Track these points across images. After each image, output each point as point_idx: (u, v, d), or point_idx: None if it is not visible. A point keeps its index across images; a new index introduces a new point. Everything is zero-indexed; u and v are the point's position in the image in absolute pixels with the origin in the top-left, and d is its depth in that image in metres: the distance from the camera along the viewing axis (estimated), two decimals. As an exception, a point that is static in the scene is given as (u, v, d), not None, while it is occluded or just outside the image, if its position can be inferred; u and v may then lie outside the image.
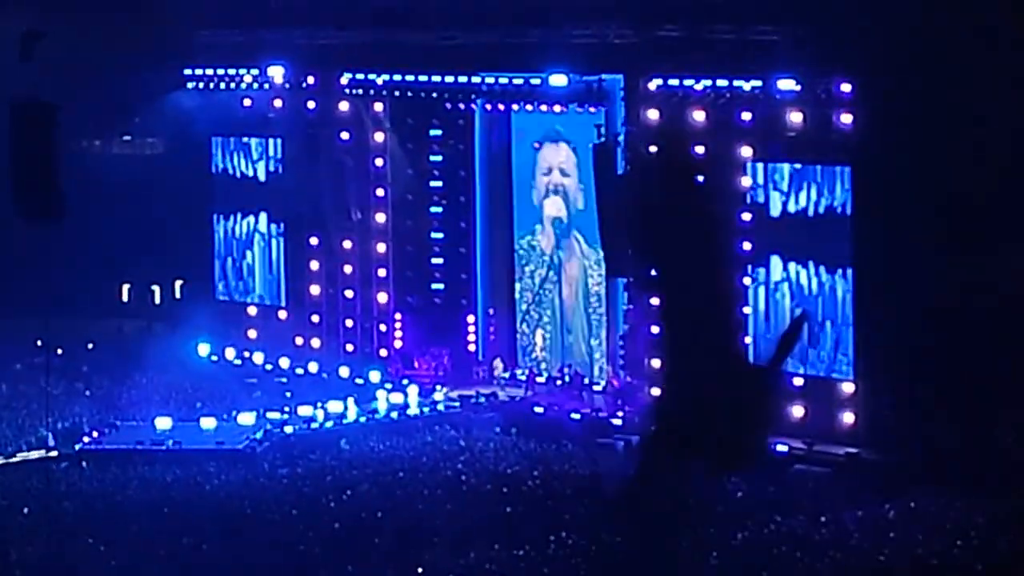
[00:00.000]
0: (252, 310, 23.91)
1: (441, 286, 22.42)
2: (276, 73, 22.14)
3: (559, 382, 20.31)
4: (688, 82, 17.58)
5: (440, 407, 20.05)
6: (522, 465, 16.74)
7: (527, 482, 15.83)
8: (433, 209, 22.20)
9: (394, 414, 19.68)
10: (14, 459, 17.84)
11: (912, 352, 15.46)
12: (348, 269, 22.31)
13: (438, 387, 20.51)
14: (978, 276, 14.64)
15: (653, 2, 18.37)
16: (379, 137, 21.91)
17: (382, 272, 22.22)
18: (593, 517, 13.49)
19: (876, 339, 16.13)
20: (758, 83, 16.97)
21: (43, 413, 18.65)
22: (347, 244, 22.24)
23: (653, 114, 17.85)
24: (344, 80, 21.71)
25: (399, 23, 20.70)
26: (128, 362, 22.79)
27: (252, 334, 23.62)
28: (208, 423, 18.63)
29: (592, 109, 19.14)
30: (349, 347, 22.37)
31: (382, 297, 22.19)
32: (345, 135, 21.95)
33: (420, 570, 12.08)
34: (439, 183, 22.10)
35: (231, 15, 22.18)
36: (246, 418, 18.73)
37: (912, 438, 15.24)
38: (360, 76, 21.57)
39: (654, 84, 17.96)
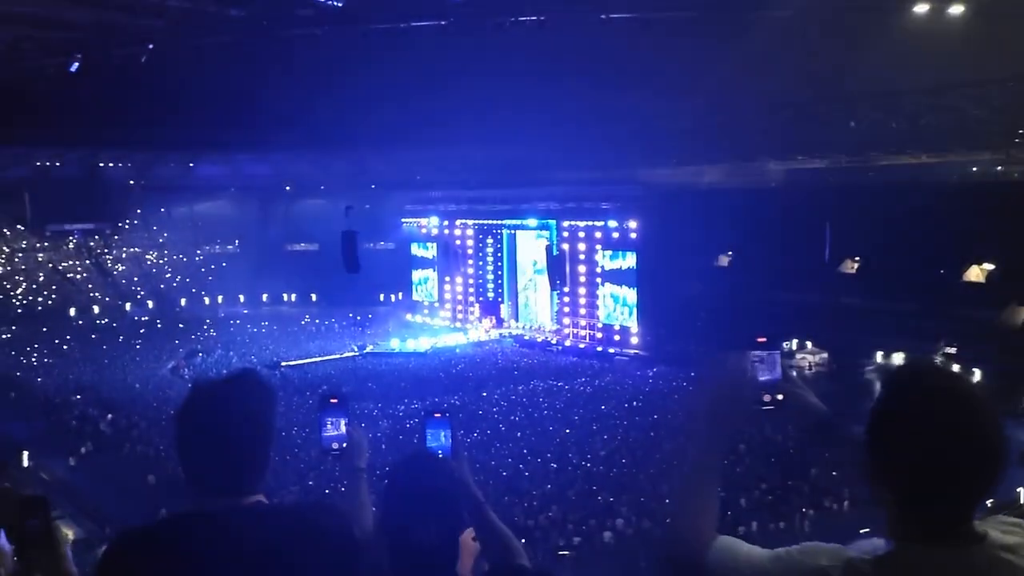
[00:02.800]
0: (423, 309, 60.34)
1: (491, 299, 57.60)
2: (434, 218, 58.79)
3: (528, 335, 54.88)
4: (580, 223, 51.52)
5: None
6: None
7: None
8: (489, 271, 57.33)
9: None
10: (336, 356, 52.85)
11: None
12: (471, 287, 58.10)
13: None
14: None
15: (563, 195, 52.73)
16: (469, 242, 57.59)
17: (472, 296, 57.75)
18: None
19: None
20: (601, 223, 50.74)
21: (351, 339, 54.09)
22: (459, 279, 58.11)
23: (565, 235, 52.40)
24: (457, 221, 57.85)
25: (473, 202, 56.44)
26: (382, 323, 58.48)
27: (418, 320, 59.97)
28: (409, 344, 53.95)
29: (546, 233, 53.70)
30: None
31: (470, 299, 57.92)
32: (457, 241, 58.02)
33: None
34: (491, 258, 57.21)
35: (421, 198, 59.06)
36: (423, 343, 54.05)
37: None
38: (461, 220, 57.59)
39: (566, 223, 52.34)
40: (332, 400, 3.01)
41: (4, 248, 63.71)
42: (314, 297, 62.90)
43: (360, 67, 29.85)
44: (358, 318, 58.37)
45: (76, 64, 22.42)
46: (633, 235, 48.11)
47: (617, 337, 48.78)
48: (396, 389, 39.15)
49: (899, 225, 35.97)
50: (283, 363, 45.80)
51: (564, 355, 48.74)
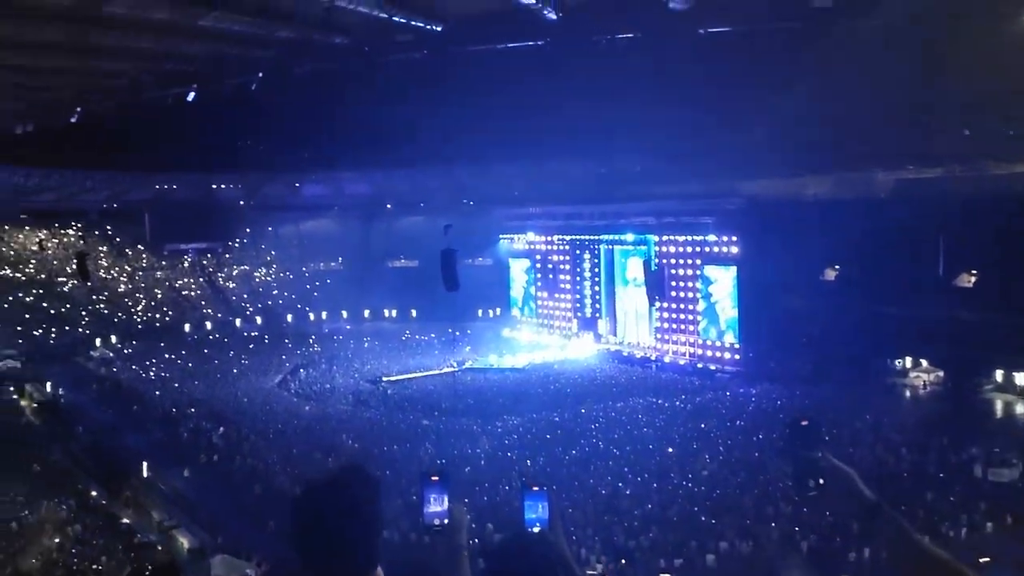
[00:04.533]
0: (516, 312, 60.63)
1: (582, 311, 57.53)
2: (531, 234, 59.07)
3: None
4: (678, 237, 50.97)
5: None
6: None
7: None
8: (587, 286, 57.24)
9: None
10: (435, 371, 53.70)
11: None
12: (569, 302, 58.18)
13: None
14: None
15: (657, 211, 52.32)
16: (567, 257, 57.61)
17: (570, 312, 57.74)
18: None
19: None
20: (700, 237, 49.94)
21: (450, 354, 54.70)
22: (557, 295, 58.22)
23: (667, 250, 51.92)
24: (554, 237, 57.96)
25: (570, 217, 56.52)
26: (480, 338, 58.97)
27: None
28: (507, 359, 54.29)
29: (643, 247, 53.31)
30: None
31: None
32: (554, 256, 58.11)
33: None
34: (589, 274, 57.09)
35: (518, 215, 59.51)
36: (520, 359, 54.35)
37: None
38: (558, 235, 57.67)
39: (664, 238, 51.86)
40: (434, 477, 3.08)
41: (126, 267, 67.14)
42: (414, 313, 63.94)
43: (457, 87, 30.40)
44: (456, 334, 58.94)
45: (192, 94, 23.56)
46: (734, 249, 47.18)
47: (718, 353, 47.85)
48: (494, 405, 39.37)
49: (1018, 236, 34.24)
50: (384, 378, 46.67)
51: (663, 371, 48.14)
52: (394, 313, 65.26)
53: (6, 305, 56.25)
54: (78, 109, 26.60)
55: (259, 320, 65.17)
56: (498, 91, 30.89)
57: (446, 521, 3.02)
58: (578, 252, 57.05)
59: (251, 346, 56.05)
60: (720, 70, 28.24)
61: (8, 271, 61.21)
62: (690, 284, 49.61)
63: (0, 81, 21.74)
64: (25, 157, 43.21)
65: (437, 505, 3.03)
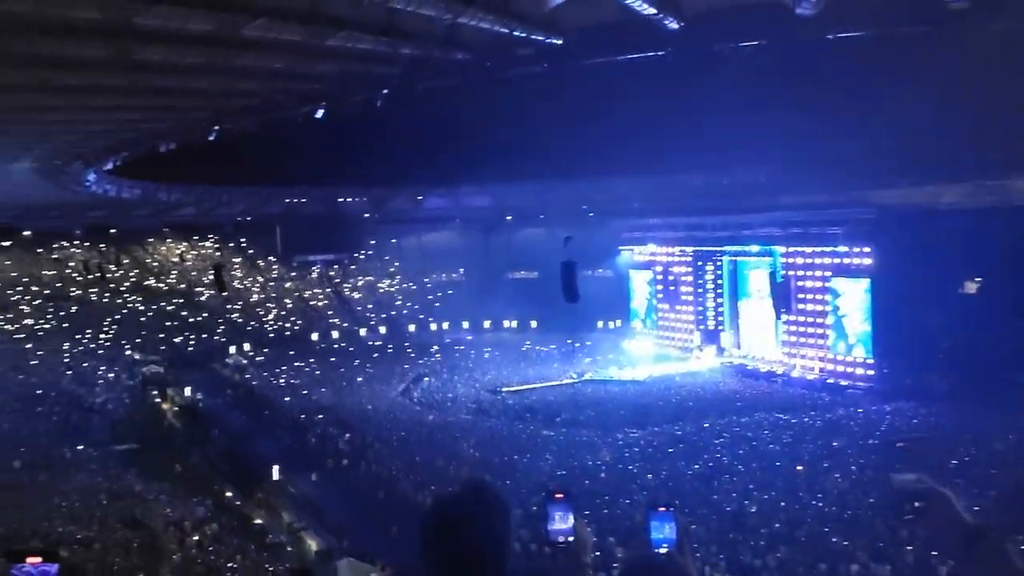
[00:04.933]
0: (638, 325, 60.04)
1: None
2: (652, 245, 58.44)
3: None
4: (806, 248, 49.28)
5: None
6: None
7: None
8: (709, 298, 56.06)
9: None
10: (555, 382, 53.42)
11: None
12: (691, 314, 57.32)
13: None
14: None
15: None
16: (688, 269, 56.66)
17: (692, 324, 56.80)
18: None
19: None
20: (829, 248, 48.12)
21: (570, 365, 54.57)
22: (679, 307, 57.35)
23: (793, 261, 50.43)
24: (676, 248, 57.14)
25: (692, 228, 55.58)
26: (600, 349, 58.67)
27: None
28: (627, 371, 53.78)
29: (768, 259, 51.86)
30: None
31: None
32: (676, 267, 57.29)
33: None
34: (712, 286, 55.97)
35: (639, 226, 59.00)
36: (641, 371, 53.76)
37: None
38: (680, 246, 56.84)
39: (790, 248, 50.35)
40: (558, 495, 3.13)
41: (259, 278, 70.21)
42: (534, 324, 64.24)
43: (578, 100, 30.42)
44: (576, 345, 58.93)
45: (321, 111, 24.45)
46: (866, 260, 45.33)
47: (849, 369, 45.96)
48: (615, 417, 39.02)
49: None
50: (504, 388, 47.00)
51: (790, 386, 46.60)
52: (514, 324, 65.68)
53: (150, 313, 59.70)
54: (215, 128, 27.95)
55: (383, 330, 66.81)
56: (619, 102, 30.72)
57: (571, 538, 3.01)
58: (700, 263, 56.00)
59: (375, 355, 57.47)
60: (849, 76, 27.25)
61: (152, 281, 65.00)
62: (818, 296, 47.88)
63: (148, 103, 23.11)
64: (167, 174, 45.81)
65: (562, 522, 3.04)
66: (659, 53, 19.47)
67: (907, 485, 2.38)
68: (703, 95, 28.82)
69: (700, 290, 56.03)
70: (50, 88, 19.29)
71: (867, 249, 45.04)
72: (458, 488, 2.46)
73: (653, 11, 16.25)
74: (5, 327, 50.11)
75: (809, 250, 48.21)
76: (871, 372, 44.72)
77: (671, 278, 57.99)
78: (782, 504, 24.38)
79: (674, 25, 17.39)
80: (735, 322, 54.63)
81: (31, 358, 45.81)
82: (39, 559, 2.40)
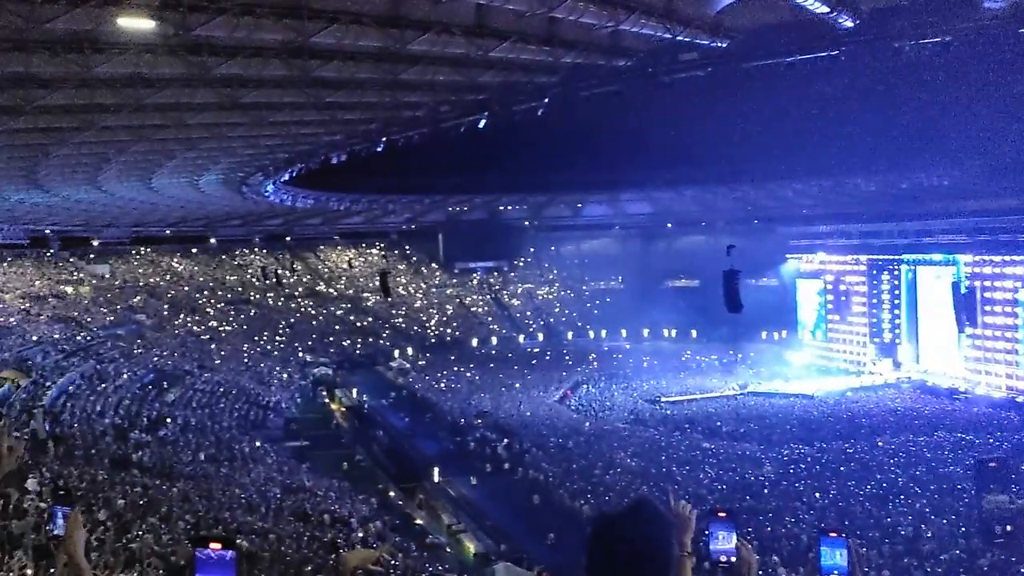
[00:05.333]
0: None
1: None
2: (822, 254, 56.00)
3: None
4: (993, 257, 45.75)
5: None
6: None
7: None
8: (885, 309, 53.04)
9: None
10: (716, 394, 51.26)
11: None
12: (865, 326, 54.62)
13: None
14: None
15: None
16: (862, 278, 53.88)
17: (866, 337, 53.99)
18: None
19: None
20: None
21: (732, 376, 52.96)
22: (851, 318, 54.63)
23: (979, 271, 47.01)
24: (848, 257, 54.43)
25: (866, 236, 52.75)
26: (764, 361, 56.73)
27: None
28: (795, 385, 51.69)
29: (951, 268, 48.55)
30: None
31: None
32: (848, 277, 54.59)
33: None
34: (888, 296, 52.91)
35: (807, 233, 56.64)
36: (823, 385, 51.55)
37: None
38: (852, 255, 54.09)
39: (976, 258, 46.87)
40: (721, 513, 3.02)
41: (421, 284, 72.38)
42: (694, 333, 62.97)
43: (742, 103, 29.55)
44: (739, 356, 57.28)
45: (483, 121, 24.88)
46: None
47: (1044, 387, 42.39)
48: (780, 431, 37.66)
49: None
50: (663, 398, 46.28)
51: (974, 405, 43.39)
52: (673, 333, 64.60)
53: (320, 317, 62.68)
54: (383, 139, 28.97)
55: (541, 336, 67.34)
56: (787, 105, 29.64)
57: (733, 559, 2.92)
58: (875, 273, 53.19)
59: (533, 362, 57.96)
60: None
61: (322, 287, 68.27)
62: (1007, 309, 44.41)
63: (321, 117, 24.27)
64: (338, 184, 48.11)
65: (725, 543, 2.95)
66: (831, 53, 18.58)
67: (999, 507, 2.14)
68: (879, 95, 27.36)
69: (875, 301, 53.18)
70: (237, 106, 20.61)
71: (1064, 257, 41.48)
72: (624, 504, 2.41)
73: (826, 9, 15.54)
74: (193, 328, 53.87)
75: (998, 259, 44.81)
76: (1070, 392, 41.06)
77: (843, 288, 55.39)
78: (962, 530, 22.72)
79: (848, 23, 16.57)
80: (913, 335, 51.46)
81: (215, 357, 49.02)
82: (219, 545, 2.56)
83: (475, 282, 74.54)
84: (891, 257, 52.04)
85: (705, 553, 3.01)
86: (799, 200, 58.44)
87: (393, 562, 17.98)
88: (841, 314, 55.51)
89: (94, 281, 54.55)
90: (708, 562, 2.99)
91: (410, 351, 60.17)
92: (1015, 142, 34.67)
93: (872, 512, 24.94)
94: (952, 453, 31.83)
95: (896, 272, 52.09)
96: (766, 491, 27.98)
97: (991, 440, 34.16)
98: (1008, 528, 2.49)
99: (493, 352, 62.70)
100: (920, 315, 51.01)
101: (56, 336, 41.25)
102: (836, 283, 55.90)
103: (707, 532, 3.09)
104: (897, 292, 52.14)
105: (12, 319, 41.64)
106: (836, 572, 2.85)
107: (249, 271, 66.13)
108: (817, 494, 27.05)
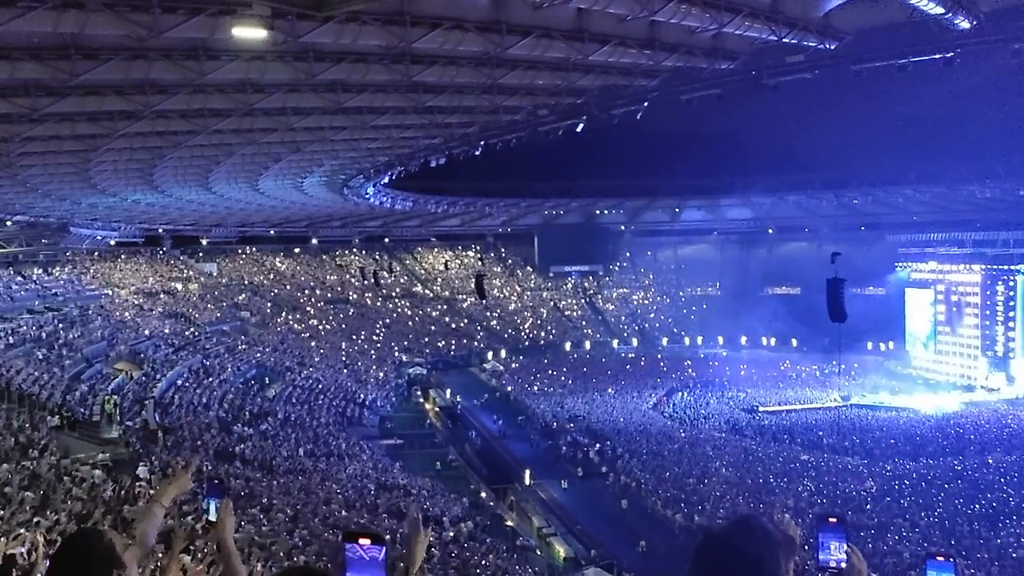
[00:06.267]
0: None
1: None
2: (932, 263, 53.70)
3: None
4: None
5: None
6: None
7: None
8: (999, 321, 50.44)
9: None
10: (817, 405, 49.90)
11: None
12: (977, 338, 52.12)
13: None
14: None
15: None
16: (975, 289, 51.36)
17: (977, 350, 51.51)
18: None
19: None
20: None
21: (834, 387, 51.33)
22: (961, 330, 52.22)
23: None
24: (960, 266, 52.03)
25: (980, 244, 50.29)
26: (869, 373, 54.68)
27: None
28: (901, 398, 49.65)
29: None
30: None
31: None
32: (960, 287, 52.19)
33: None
34: (1002, 307, 50.27)
35: (917, 241, 54.42)
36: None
37: None
38: (964, 264, 51.67)
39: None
40: (831, 520, 2.88)
41: (516, 287, 72.69)
42: (794, 342, 61.27)
43: (850, 106, 28.67)
44: (842, 366, 55.38)
45: (581, 125, 24.81)
46: None
47: None
48: (883, 445, 36.38)
49: None
50: (761, 408, 45.25)
51: (1092, 423, 41.03)
52: (772, 341, 63.00)
53: (416, 318, 63.61)
54: (481, 142, 29.21)
55: (635, 342, 66.72)
56: (898, 108, 28.62)
57: (842, 566, 2.81)
58: (989, 283, 50.74)
59: (627, 367, 57.45)
60: None
61: (419, 288, 69.29)
62: None
63: (422, 121, 24.62)
64: (436, 187, 48.82)
65: (836, 551, 2.83)
66: (947, 55, 17.83)
67: None
68: (997, 98, 26.14)
69: (988, 312, 50.75)
70: (340, 110, 21.12)
71: None
72: (730, 521, 2.36)
73: (941, 10, 14.92)
74: (294, 326, 55.42)
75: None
76: None
77: (954, 298, 53.01)
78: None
79: (965, 24, 15.86)
80: (1029, 349, 48.96)
81: (314, 355, 50.29)
82: (369, 541, 2.52)
83: (570, 286, 74.40)
84: (1006, 267, 49.59)
85: (813, 560, 2.92)
86: (909, 207, 56.32)
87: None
88: (952, 326, 53.20)
89: (202, 279, 56.81)
90: (817, 570, 2.89)
91: (504, 353, 60.45)
92: None
93: (980, 533, 23.93)
94: (1071, 474, 30.11)
95: (1012, 283, 49.59)
96: (868, 506, 27.12)
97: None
98: None
99: (587, 356, 62.43)
100: (1037, 328, 48.46)
101: (166, 331, 43.10)
102: (947, 293, 53.54)
103: (813, 539, 3.01)
104: (1012, 303, 49.64)
105: (127, 313, 43.72)
106: None
107: (348, 271, 67.65)
108: (923, 512, 26.04)
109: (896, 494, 28.45)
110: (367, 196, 43.34)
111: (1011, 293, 49.65)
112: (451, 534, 23.81)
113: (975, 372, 51.10)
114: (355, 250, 70.62)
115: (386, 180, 39.40)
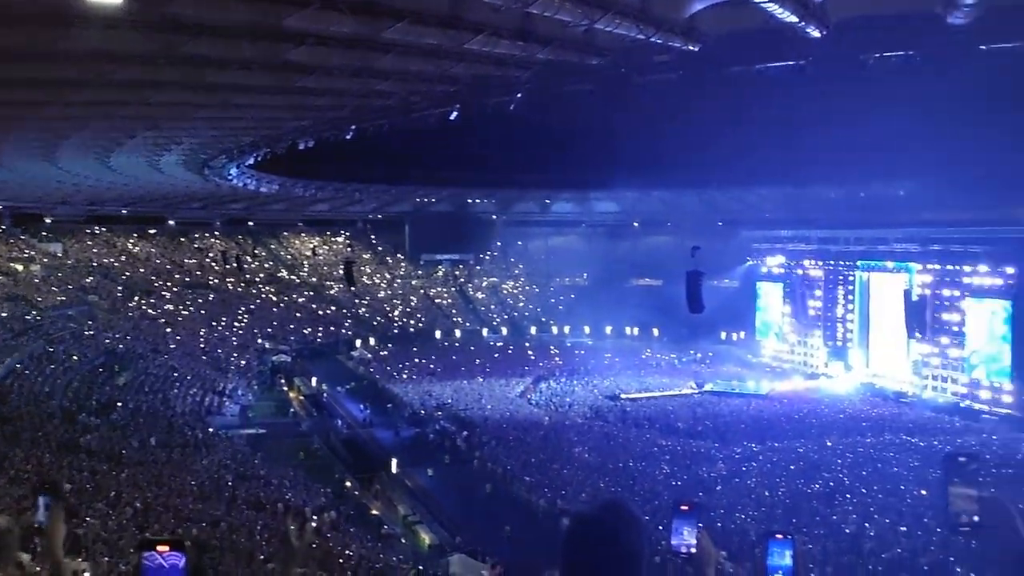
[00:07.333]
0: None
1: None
2: (781, 257, 56.73)
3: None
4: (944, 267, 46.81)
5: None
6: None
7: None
8: (839, 314, 53.95)
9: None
10: (675, 392, 52.09)
11: None
12: (819, 329, 55.43)
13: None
14: None
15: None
16: (819, 283, 54.73)
17: (820, 340, 54.87)
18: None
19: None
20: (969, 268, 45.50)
21: (691, 375, 53.59)
22: (806, 322, 55.47)
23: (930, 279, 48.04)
24: (806, 261, 55.25)
25: (825, 242, 53.60)
26: (722, 361, 57.33)
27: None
28: (750, 385, 52.40)
29: (904, 275, 49.58)
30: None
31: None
32: (806, 282, 55.41)
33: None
34: (842, 301, 53.78)
35: (768, 237, 57.36)
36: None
37: None
38: (810, 259, 54.93)
39: (927, 266, 47.93)
40: (683, 507, 3.09)
41: (386, 274, 72.11)
42: (656, 331, 63.48)
43: (711, 108, 29.85)
44: (698, 355, 57.94)
45: (455, 113, 24.86)
46: (1009, 282, 42.81)
47: (985, 393, 43.46)
48: (734, 430, 38.19)
49: None
50: (623, 395, 46.65)
51: (920, 409, 44.44)
52: (636, 331, 65.05)
53: (281, 304, 62.19)
54: (352, 127, 28.83)
55: (504, 331, 67.45)
56: (755, 111, 29.99)
57: (693, 551, 3.00)
58: (831, 278, 54.12)
59: (496, 355, 58.06)
60: (1003, 88, 25.69)
61: (284, 274, 67.73)
62: (955, 316, 45.54)
63: (290, 102, 24.08)
64: (304, 170, 47.56)
65: (688, 536, 3.01)
66: (800, 62, 18.85)
67: (965, 500, 2.41)
68: (844, 106, 27.81)
69: (830, 305, 54.15)
70: (202, 86, 20.35)
71: (1011, 270, 42.55)
72: (599, 505, 2.52)
73: (795, 19, 15.76)
74: (148, 311, 53.14)
75: (948, 268, 45.92)
76: (1010, 399, 42.13)
77: (800, 292, 56.19)
78: (903, 529, 23.26)
79: (817, 33, 16.81)
80: (865, 340, 52.46)
81: (171, 342, 48.43)
82: (167, 548, 2.39)
83: (440, 274, 74.42)
84: (847, 263, 53.01)
85: (668, 546, 3.11)
86: (763, 204, 59.23)
87: None
88: (798, 317, 56.36)
89: (45, 259, 53.59)
90: (670, 554, 3.09)
91: (372, 341, 59.96)
92: (970, 157, 35.53)
93: (818, 510, 25.46)
94: (897, 455, 32.59)
95: (851, 278, 53.01)
96: (718, 488, 28.40)
97: (935, 442, 34.97)
98: (975, 519, 2.68)
99: (456, 345, 62.70)
100: (872, 321, 52.02)
101: (4, 314, 40.48)
102: (794, 287, 56.67)
103: (665, 525, 3.20)
104: (851, 298, 53.06)
105: (-39, 295, 40.81)
106: (781, 572, 2.94)
107: (209, 255, 65.35)
108: (767, 492, 27.53)
109: (744, 475, 29.92)
110: (230, 177, 41.89)
111: (850, 287, 53.02)
112: (314, 524, 23.48)
113: (817, 360, 54.33)
114: (217, 233, 68.18)
115: (251, 162, 38.21)
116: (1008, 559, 2.42)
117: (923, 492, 26.85)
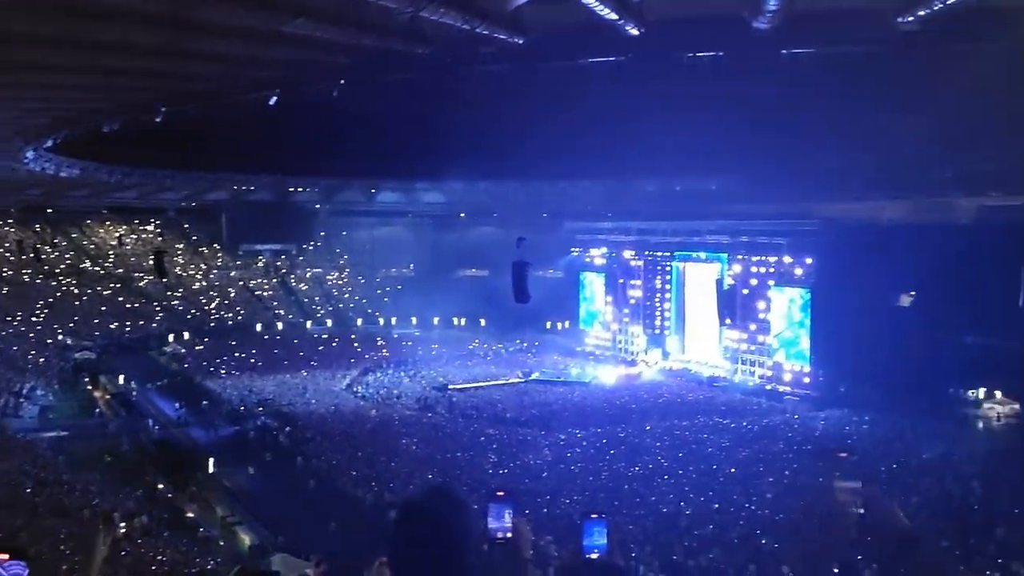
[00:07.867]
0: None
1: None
2: (603, 248, 58.74)
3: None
4: (752, 257, 50.01)
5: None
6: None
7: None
8: (657, 303, 56.62)
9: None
10: (502, 381, 53.34)
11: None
12: (639, 318, 57.69)
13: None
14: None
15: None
16: (638, 273, 57.13)
17: (639, 328, 57.28)
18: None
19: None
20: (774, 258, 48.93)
21: (517, 365, 54.56)
22: (626, 310, 57.72)
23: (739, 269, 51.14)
24: (626, 252, 57.54)
25: (643, 233, 56.03)
26: (548, 350, 58.72)
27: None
28: (574, 372, 53.96)
29: (716, 266, 52.53)
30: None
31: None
32: (626, 271, 57.68)
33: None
34: (660, 290, 56.47)
35: (591, 228, 59.12)
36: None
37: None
38: (630, 250, 57.28)
39: (737, 257, 51.07)
40: (499, 493, 3.19)
41: (202, 265, 68.91)
42: (483, 322, 64.16)
43: (535, 101, 30.37)
44: (524, 344, 59.07)
45: (274, 98, 24.01)
46: (808, 271, 46.31)
47: (788, 376, 46.89)
48: (559, 417, 39.22)
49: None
50: (451, 386, 46.86)
51: (731, 392, 47.28)
52: (463, 321, 65.52)
53: (84, 298, 58.21)
54: (163, 110, 27.27)
55: (329, 323, 66.18)
56: (577, 106, 30.73)
57: (508, 535, 3.12)
58: (650, 268, 56.56)
59: (320, 348, 56.86)
60: (802, 92, 27.66)
61: (88, 264, 63.42)
62: (761, 305, 48.79)
63: (92, 82, 22.44)
64: (109, 154, 44.42)
65: (502, 520, 3.14)
66: (618, 58, 19.48)
67: (851, 491, 2.58)
68: (660, 103, 29.01)
69: (648, 294, 56.55)
70: (-10, 61, 18.61)
71: (809, 260, 46.02)
72: (426, 490, 2.58)
73: (614, 16, 16.24)
74: (-67, 305, 48.50)
75: (755, 259, 49.12)
76: (808, 380, 45.67)
77: (620, 281, 58.35)
78: (716, 506, 24.71)
79: (634, 31, 17.41)
80: (681, 327, 55.24)
81: (-42, 339, 44.45)
82: (8, 556, 2.29)
83: (261, 265, 71.93)
84: (664, 254, 55.56)
85: (484, 531, 3.15)
86: (586, 196, 61.06)
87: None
88: (619, 306, 58.52)
89: None
90: (487, 539, 3.12)
91: (187, 336, 57.21)
92: (774, 152, 38.08)
93: (638, 491, 26.60)
94: (710, 436, 34.57)
95: (668, 268, 55.60)
96: (544, 474, 29.08)
97: (744, 424, 37.38)
98: (862, 511, 2.92)
99: (278, 338, 60.83)
100: (687, 309, 54.83)
101: None
102: (615, 276, 58.75)
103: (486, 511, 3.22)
104: (668, 287, 55.67)
105: None
106: (596, 551, 3.16)
107: (4, 244, 60.19)
108: (590, 476, 28.47)
109: (568, 461, 30.78)
110: (25, 161, 38.66)
111: (667, 277, 55.61)
112: (122, 530, 22.12)
113: (637, 348, 56.68)
114: (10, 221, 62.80)
115: (49, 144, 35.40)
116: (891, 542, 2.61)
117: (733, 471, 28.63)
